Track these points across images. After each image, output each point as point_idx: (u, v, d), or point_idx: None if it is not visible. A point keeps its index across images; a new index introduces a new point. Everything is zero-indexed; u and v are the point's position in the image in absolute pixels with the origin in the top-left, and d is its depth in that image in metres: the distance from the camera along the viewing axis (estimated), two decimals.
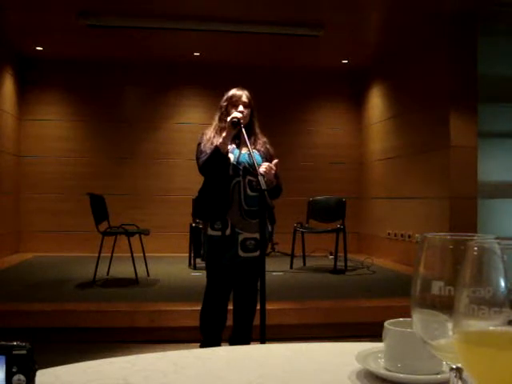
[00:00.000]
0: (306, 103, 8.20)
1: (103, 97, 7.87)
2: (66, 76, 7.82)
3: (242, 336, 2.99)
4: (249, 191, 2.84)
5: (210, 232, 2.86)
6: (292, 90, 8.14)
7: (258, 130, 2.99)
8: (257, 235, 2.78)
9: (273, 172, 2.75)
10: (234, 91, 2.94)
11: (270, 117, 8.12)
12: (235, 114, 2.81)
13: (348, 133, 8.37)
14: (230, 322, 3.03)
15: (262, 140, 2.97)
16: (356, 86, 8.31)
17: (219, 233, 2.83)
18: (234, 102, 2.90)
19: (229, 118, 2.80)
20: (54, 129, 7.83)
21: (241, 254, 2.85)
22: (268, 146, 2.97)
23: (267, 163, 2.77)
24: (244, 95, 2.92)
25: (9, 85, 7.30)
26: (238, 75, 7.43)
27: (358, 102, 8.34)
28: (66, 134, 7.86)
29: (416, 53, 6.56)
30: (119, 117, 7.90)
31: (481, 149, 5.69)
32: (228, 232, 2.83)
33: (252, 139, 2.88)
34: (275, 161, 2.81)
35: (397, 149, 7.10)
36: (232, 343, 2.99)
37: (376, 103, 7.86)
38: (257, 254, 2.82)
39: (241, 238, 2.84)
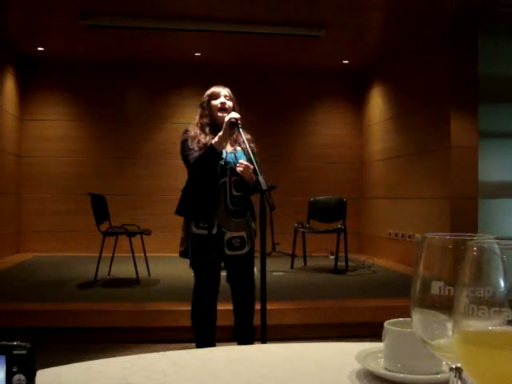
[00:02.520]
0: (307, 103, 8.20)
1: (104, 97, 7.88)
2: (67, 76, 7.83)
3: (245, 333, 2.99)
4: (234, 191, 2.87)
5: (196, 231, 2.87)
6: (292, 91, 8.13)
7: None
8: (242, 233, 2.88)
9: (250, 171, 2.76)
10: (213, 88, 2.99)
11: (271, 117, 8.13)
12: (233, 115, 2.80)
13: (349, 133, 8.37)
14: (230, 322, 3.03)
15: (245, 137, 2.90)
16: (356, 86, 8.31)
17: (205, 231, 2.84)
18: (215, 96, 2.94)
19: (226, 118, 2.79)
20: (54, 129, 7.84)
21: (227, 252, 2.87)
22: (252, 144, 2.92)
23: (244, 162, 2.78)
24: (225, 90, 2.97)
25: (10, 85, 7.31)
26: (238, 75, 7.44)
27: (358, 102, 8.34)
28: (66, 134, 7.87)
29: (416, 53, 6.56)
30: (120, 117, 7.90)
31: (481, 149, 5.69)
32: (214, 231, 2.85)
33: (235, 136, 2.90)
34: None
35: (397, 149, 7.10)
36: (236, 339, 2.99)
37: (376, 103, 7.86)
38: (243, 251, 2.89)
39: (227, 237, 2.86)
